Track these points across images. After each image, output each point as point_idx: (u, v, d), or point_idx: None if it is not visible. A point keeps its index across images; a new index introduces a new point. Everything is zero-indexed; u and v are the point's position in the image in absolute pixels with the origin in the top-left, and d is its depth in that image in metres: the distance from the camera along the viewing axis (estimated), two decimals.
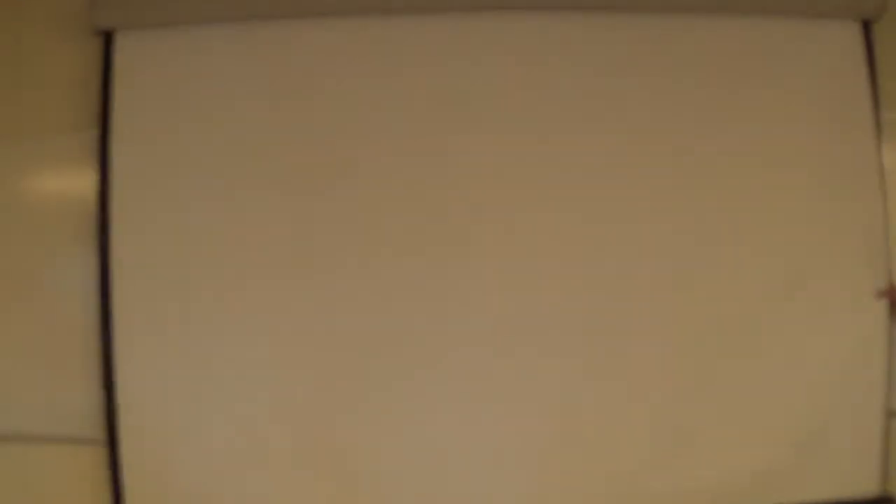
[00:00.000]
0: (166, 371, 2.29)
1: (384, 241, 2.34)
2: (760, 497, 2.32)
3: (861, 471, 2.34)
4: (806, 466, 2.32)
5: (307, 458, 2.29)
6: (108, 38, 2.38)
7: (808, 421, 2.34)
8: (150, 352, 2.29)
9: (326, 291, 2.33)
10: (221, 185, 2.36)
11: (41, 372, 2.36)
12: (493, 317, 2.32)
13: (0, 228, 2.39)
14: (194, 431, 2.28)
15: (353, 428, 2.30)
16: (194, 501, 2.26)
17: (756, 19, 2.43)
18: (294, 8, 2.37)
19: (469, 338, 2.31)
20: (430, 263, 2.33)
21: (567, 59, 2.41)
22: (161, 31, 2.38)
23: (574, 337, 2.32)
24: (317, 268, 2.34)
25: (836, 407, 2.33)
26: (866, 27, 2.45)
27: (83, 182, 2.39)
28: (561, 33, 2.41)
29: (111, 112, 2.35)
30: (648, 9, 2.41)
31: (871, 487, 2.34)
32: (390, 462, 2.30)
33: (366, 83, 2.38)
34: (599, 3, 2.39)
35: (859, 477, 2.34)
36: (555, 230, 2.35)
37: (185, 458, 2.26)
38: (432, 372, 2.32)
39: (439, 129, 2.38)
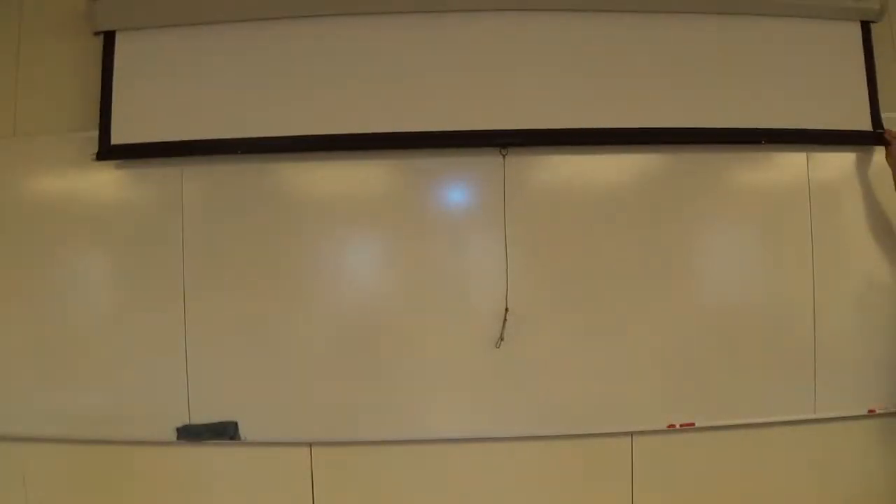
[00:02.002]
0: None
1: None
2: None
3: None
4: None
5: None
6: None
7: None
8: None
9: None
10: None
11: (41, 372, 2.37)
12: None
13: (0, 228, 2.40)
14: None
15: None
16: None
17: (761, 19, 2.45)
18: (288, 9, 2.37)
19: None
20: None
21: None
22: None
23: None
24: None
25: None
26: (866, 28, 2.47)
27: (83, 182, 2.40)
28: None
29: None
30: (661, 9, 2.42)
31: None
32: None
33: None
34: (611, 4, 2.41)
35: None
36: None
37: None
38: None
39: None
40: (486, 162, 2.39)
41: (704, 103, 2.41)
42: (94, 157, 2.35)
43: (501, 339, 2.35)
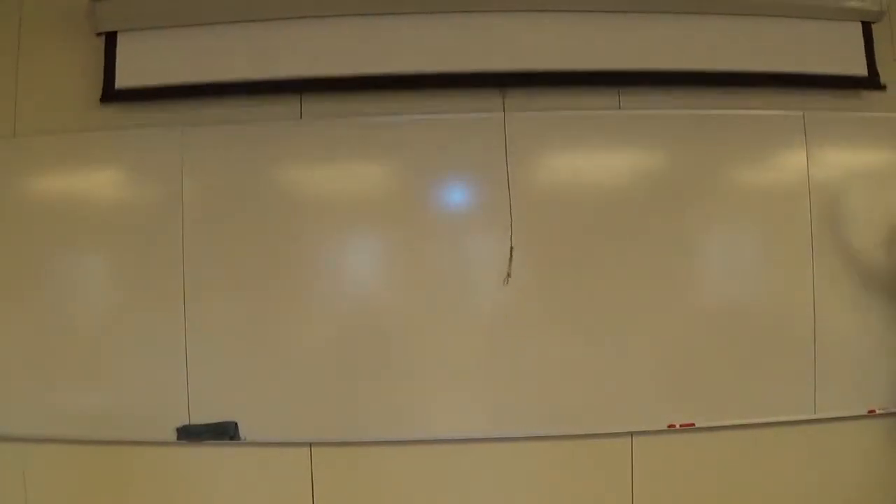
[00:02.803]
0: None
1: None
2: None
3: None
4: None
5: None
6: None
7: None
8: None
9: None
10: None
11: (41, 372, 2.36)
12: None
13: (0, 228, 2.40)
14: None
15: None
16: None
17: (769, 20, 2.47)
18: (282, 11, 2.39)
19: None
20: None
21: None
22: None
23: None
24: None
25: None
26: (867, 28, 2.49)
27: (83, 182, 2.41)
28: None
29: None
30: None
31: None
32: None
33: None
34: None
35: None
36: None
37: None
38: None
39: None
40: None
41: (708, 47, 2.43)
42: (100, 99, 2.38)
43: (509, 275, 2.35)
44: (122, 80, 2.40)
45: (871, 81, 2.47)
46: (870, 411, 2.43)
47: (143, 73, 2.40)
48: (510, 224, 2.38)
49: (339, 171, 2.43)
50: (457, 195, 2.45)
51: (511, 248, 2.36)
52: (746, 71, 2.43)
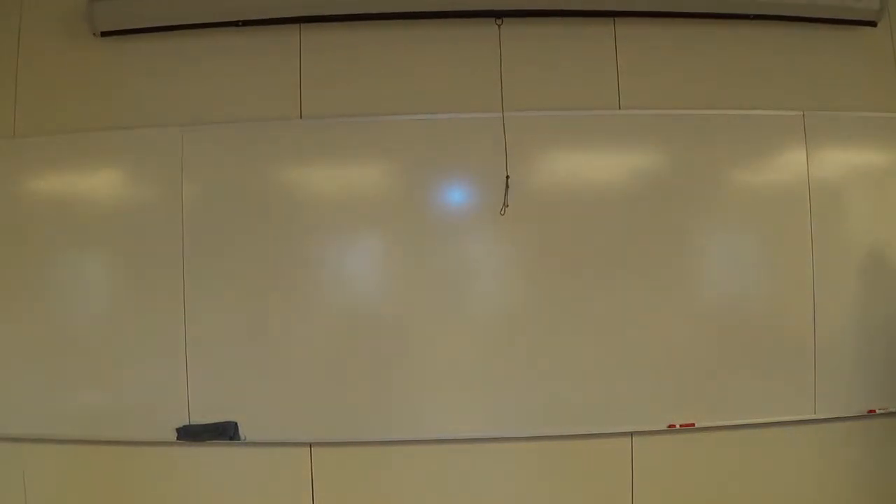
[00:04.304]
0: None
1: None
2: None
3: None
4: None
5: None
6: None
7: None
8: None
9: None
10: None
11: (41, 372, 2.37)
12: None
13: (0, 228, 2.40)
14: None
15: None
16: None
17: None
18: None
19: None
20: None
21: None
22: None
23: None
24: None
25: None
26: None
27: (83, 182, 2.41)
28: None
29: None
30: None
31: None
32: None
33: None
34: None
35: None
36: None
37: None
38: None
39: None
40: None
41: None
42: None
43: (506, 205, 2.36)
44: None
45: None
46: (870, 411, 2.43)
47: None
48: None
49: (339, 171, 2.43)
50: (457, 195, 2.45)
51: (507, 176, 2.36)
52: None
